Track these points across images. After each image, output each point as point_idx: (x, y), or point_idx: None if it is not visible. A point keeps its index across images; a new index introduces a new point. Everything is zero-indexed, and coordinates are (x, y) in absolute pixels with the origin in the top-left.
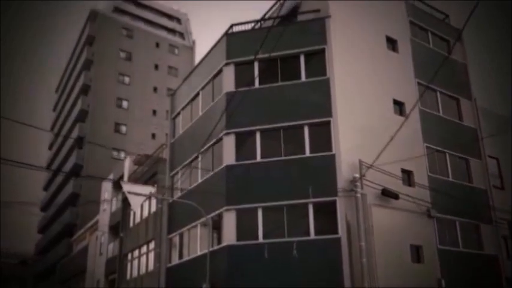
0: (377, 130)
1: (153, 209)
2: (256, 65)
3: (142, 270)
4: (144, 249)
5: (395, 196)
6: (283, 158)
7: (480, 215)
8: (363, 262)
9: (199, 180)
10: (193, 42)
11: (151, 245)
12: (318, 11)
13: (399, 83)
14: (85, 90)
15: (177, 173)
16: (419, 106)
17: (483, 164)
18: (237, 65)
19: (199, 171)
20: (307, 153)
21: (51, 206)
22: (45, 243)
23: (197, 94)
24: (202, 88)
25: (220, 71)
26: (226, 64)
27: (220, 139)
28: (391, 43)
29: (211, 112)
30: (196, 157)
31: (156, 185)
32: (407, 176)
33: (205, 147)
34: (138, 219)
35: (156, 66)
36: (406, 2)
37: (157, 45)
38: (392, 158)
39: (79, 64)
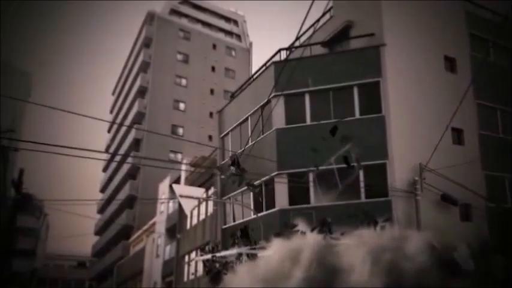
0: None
1: (210, 211)
2: (307, 97)
3: (200, 272)
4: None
5: (455, 202)
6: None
7: None
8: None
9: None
10: (250, 44)
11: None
12: (372, 34)
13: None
14: (142, 92)
15: (229, 198)
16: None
17: None
18: (287, 96)
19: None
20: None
21: (108, 208)
22: (102, 245)
23: (246, 119)
24: (252, 114)
25: (269, 101)
26: (275, 96)
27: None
28: None
29: (262, 146)
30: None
31: (212, 187)
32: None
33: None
34: (195, 221)
35: (213, 68)
36: None
37: (214, 47)
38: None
39: (136, 66)
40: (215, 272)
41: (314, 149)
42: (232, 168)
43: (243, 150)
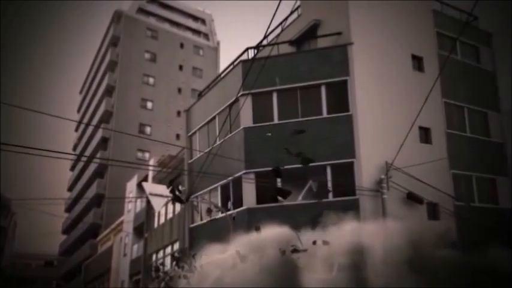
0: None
1: (178, 209)
2: (275, 96)
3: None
4: (168, 250)
5: (420, 201)
6: None
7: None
8: None
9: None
10: (218, 43)
11: (176, 246)
12: (339, 33)
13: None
14: (109, 91)
15: (196, 197)
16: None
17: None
18: (254, 95)
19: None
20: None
21: (75, 207)
22: (70, 244)
23: (214, 118)
24: (219, 113)
25: (236, 100)
26: (243, 95)
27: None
28: None
29: (229, 145)
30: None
31: (180, 186)
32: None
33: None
34: (162, 220)
35: (181, 67)
36: None
37: (181, 46)
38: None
39: (103, 65)
40: None
41: (286, 149)
42: (174, 194)
43: (210, 150)
